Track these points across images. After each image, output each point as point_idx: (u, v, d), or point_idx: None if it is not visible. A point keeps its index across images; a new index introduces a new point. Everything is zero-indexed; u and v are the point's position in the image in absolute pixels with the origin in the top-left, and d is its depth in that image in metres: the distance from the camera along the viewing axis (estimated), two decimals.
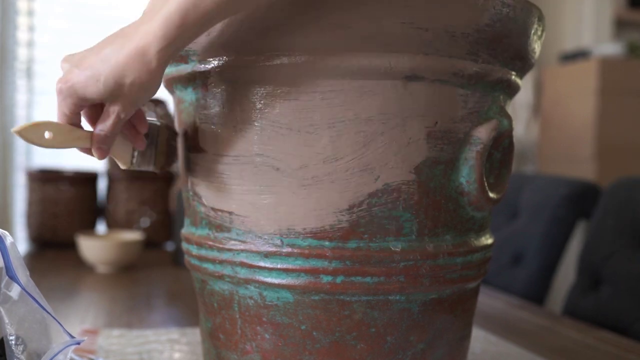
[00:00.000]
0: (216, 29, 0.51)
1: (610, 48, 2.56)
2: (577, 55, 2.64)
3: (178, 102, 0.59)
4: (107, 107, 0.49)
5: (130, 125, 0.54)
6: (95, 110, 0.51)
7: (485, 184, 0.54)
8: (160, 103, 1.65)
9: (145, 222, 1.55)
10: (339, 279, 0.51)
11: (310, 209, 0.51)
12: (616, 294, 1.10)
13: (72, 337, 0.50)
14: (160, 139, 0.58)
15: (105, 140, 0.50)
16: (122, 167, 0.56)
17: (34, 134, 0.49)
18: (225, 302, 0.56)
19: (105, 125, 0.50)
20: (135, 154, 0.56)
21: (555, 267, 1.38)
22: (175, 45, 0.47)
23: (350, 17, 0.48)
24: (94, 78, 0.48)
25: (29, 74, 2.45)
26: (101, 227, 1.60)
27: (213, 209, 0.56)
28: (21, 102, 2.45)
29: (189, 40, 0.48)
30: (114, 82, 0.47)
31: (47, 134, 0.49)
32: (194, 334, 0.83)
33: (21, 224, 2.22)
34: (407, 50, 0.50)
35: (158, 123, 0.58)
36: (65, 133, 0.50)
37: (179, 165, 0.61)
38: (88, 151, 0.52)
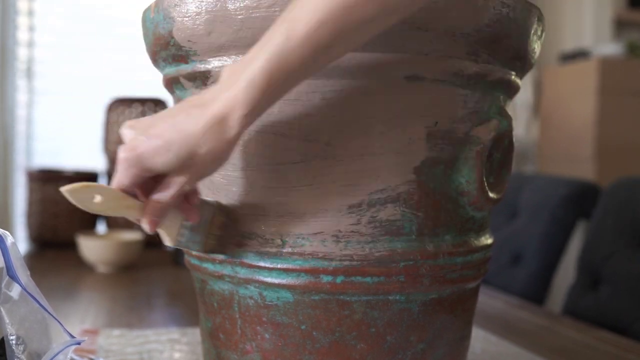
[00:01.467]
0: (217, 29, 0.51)
1: (610, 48, 2.56)
2: (577, 55, 2.64)
3: (178, 102, 0.59)
4: (170, 178, 0.46)
5: (183, 196, 0.50)
6: (152, 179, 0.48)
7: (485, 184, 0.54)
8: (160, 103, 1.65)
9: None
10: (339, 279, 0.51)
11: (311, 209, 0.51)
12: (616, 294, 1.10)
13: (72, 337, 0.50)
14: (215, 220, 0.53)
15: (160, 212, 0.47)
16: (168, 243, 0.51)
17: (83, 195, 0.46)
18: (225, 302, 0.56)
19: (163, 196, 0.47)
20: (184, 231, 0.52)
21: (555, 267, 1.38)
22: (258, 110, 0.45)
23: None
24: (164, 148, 0.45)
25: (29, 74, 2.45)
26: (101, 227, 1.60)
27: None
28: (21, 102, 2.46)
29: (271, 103, 0.46)
30: (187, 152, 0.45)
31: (97, 198, 0.46)
32: (194, 334, 0.83)
33: (21, 224, 2.22)
34: (407, 50, 0.50)
35: (214, 203, 0.54)
36: (117, 200, 0.47)
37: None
38: (137, 220, 0.49)
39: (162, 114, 0.47)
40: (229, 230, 0.54)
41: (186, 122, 0.45)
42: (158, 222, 0.48)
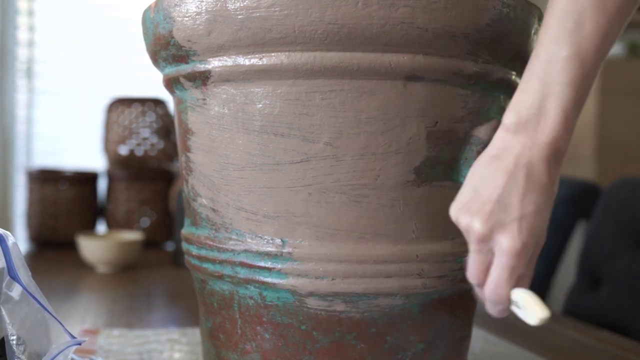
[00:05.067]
0: (217, 29, 0.51)
1: None
2: None
3: (178, 102, 0.59)
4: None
5: None
6: None
7: None
8: (160, 103, 1.65)
9: (145, 222, 1.55)
10: (339, 279, 0.51)
11: (310, 209, 0.51)
12: (616, 294, 1.10)
13: (72, 337, 0.50)
14: None
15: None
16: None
17: None
18: (225, 302, 0.56)
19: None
20: None
21: (555, 267, 1.38)
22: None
23: (350, 17, 0.48)
24: (536, 235, 0.44)
25: (29, 73, 2.45)
26: (101, 227, 1.60)
27: (213, 209, 0.56)
28: (21, 102, 2.46)
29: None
30: (542, 234, 0.45)
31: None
32: (194, 334, 0.83)
33: (21, 224, 2.22)
34: (407, 50, 0.50)
35: None
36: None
37: (178, 165, 0.59)
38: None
39: (502, 192, 0.45)
40: None
41: (533, 199, 0.45)
42: None
